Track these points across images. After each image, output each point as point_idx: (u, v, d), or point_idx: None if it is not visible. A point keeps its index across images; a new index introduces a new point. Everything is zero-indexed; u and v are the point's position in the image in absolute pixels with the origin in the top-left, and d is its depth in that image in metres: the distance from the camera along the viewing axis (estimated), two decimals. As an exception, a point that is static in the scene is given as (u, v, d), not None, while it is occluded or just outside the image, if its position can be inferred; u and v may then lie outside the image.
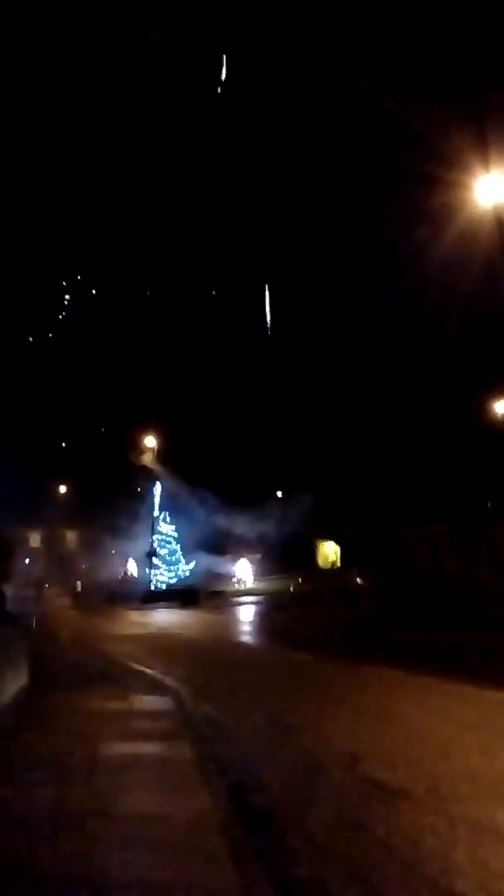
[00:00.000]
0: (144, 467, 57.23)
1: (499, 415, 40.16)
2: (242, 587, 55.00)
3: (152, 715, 8.54)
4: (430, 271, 34.71)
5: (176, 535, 59.93)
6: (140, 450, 57.14)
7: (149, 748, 6.87)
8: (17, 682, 10.04)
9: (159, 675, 11.85)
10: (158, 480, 57.84)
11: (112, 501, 61.66)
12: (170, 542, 59.44)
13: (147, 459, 55.79)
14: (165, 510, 59.26)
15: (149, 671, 12.53)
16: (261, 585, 52.88)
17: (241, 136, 59.21)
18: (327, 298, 52.50)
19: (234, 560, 61.06)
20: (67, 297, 63.75)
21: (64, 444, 61.76)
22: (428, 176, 22.35)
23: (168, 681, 11.17)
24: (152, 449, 55.70)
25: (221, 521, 60.47)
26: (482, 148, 20.12)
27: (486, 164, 19.40)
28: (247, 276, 61.96)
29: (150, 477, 57.76)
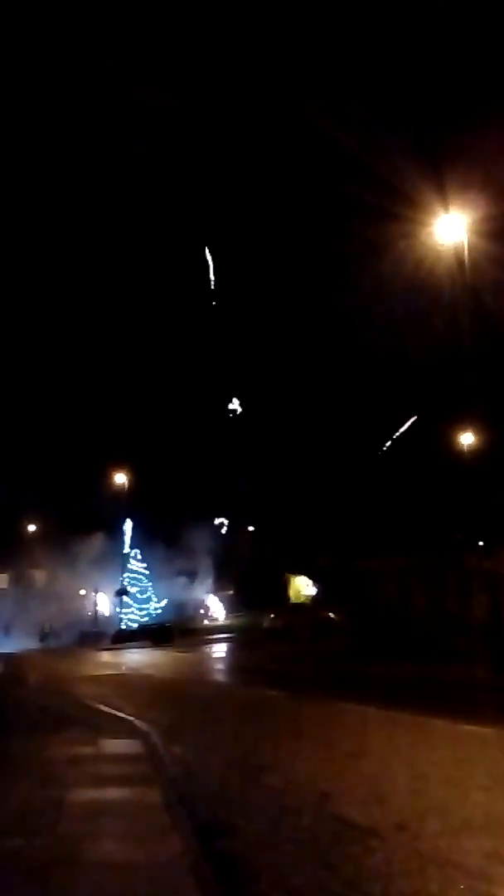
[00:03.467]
0: (114, 504, 56.76)
1: (465, 446, 40.69)
2: (215, 624, 54.43)
3: (121, 759, 8.40)
4: (395, 308, 35.37)
5: (147, 572, 59.24)
6: (111, 486, 56.70)
7: (117, 793, 6.76)
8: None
9: (129, 718, 11.65)
10: (129, 518, 57.33)
11: (82, 540, 60.89)
12: (141, 580, 58.73)
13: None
14: (136, 548, 58.68)
15: (118, 713, 12.31)
16: (233, 621, 52.38)
17: (206, 174, 60.42)
18: (290, 331, 53.05)
19: (206, 596, 60.53)
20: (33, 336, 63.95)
21: (32, 483, 61.09)
22: (389, 213, 22.93)
23: (138, 723, 10.99)
24: (123, 485, 55.24)
25: (192, 557, 60.04)
26: (441, 189, 20.77)
27: (445, 204, 20.05)
28: (207, 312, 62.68)
29: (121, 514, 57.22)
